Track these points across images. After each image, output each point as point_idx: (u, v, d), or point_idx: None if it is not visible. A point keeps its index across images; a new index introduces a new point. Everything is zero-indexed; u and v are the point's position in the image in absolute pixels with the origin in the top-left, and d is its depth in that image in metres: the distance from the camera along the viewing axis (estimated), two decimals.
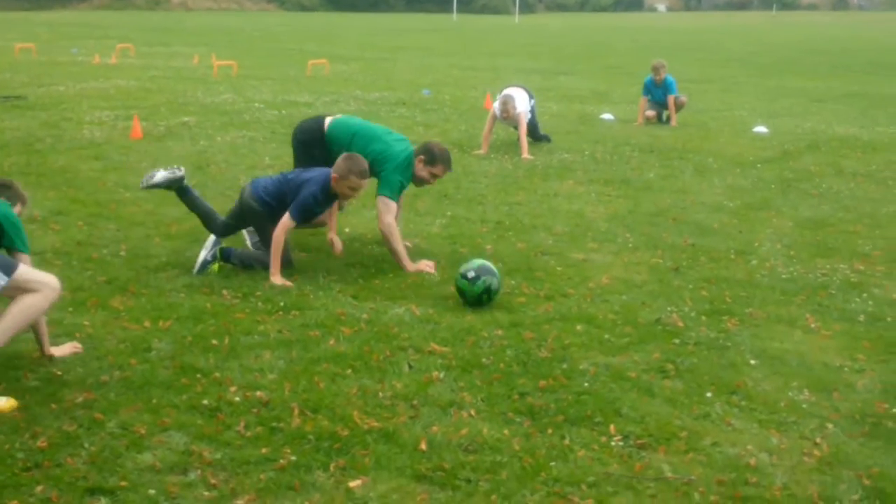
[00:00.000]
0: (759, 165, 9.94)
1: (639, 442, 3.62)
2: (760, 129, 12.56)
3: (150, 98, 14.74)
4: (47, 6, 61.16)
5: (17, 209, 4.32)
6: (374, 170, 5.97)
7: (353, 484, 3.23)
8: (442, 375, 4.21)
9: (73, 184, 8.10)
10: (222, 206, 7.38)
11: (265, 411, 3.77)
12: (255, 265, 5.76)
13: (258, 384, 4.02)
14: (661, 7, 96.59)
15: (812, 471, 3.43)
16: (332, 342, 4.57)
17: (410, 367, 4.31)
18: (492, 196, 8.14)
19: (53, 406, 3.72)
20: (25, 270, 3.93)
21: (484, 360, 4.40)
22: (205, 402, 3.81)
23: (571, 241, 6.67)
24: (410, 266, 5.84)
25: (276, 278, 5.52)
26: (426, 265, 5.85)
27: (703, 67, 24.05)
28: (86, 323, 4.69)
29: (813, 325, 4.99)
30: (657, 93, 13.16)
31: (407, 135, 11.44)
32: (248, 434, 3.56)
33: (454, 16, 67.50)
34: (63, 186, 7.97)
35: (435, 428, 3.68)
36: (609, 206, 7.83)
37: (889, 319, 5.11)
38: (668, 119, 13.12)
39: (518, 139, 10.48)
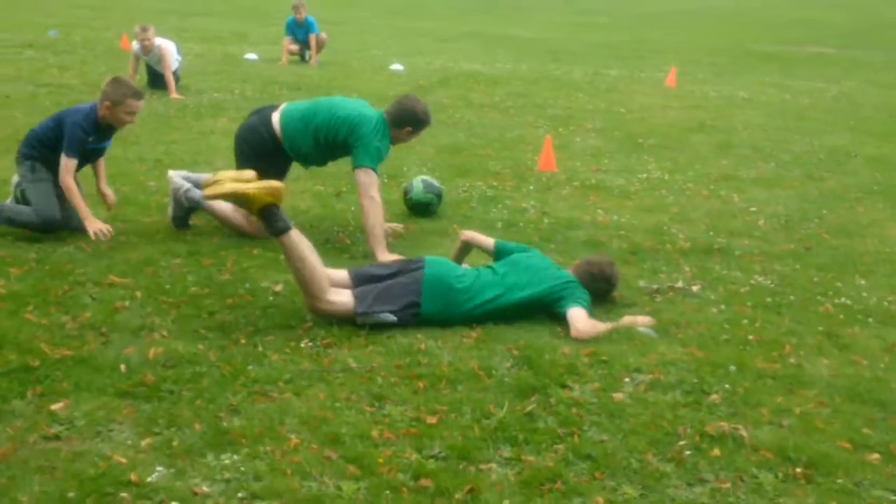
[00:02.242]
0: None
1: (325, 342, 4.00)
2: (396, 66, 13.37)
3: None
4: None
5: None
6: (345, 140, 5.32)
7: (55, 406, 3.28)
8: (127, 304, 4.29)
9: None
10: None
11: None
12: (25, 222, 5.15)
13: None
14: None
15: (471, 349, 4.02)
16: (2, 283, 4.44)
17: (93, 298, 4.34)
18: (146, 136, 8.03)
19: None
20: None
21: (167, 286, 4.53)
22: None
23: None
24: (384, 255, 5.04)
25: (91, 223, 5.07)
26: (397, 258, 4.93)
27: (337, 9, 24.71)
28: None
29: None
30: (299, 32, 13.48)
31: (42, 77, 10.92)
32: None
33: None
34: None
35: (129, 350, 3.79)
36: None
37: (521, 224, 5.92)
38: (310, 58, 13.50)
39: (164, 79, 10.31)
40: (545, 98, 11.23)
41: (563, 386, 3.69)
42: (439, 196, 6.07)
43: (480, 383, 3.68)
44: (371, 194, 5.15)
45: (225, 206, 5.29)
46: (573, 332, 4.14)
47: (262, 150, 5.38)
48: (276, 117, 5.43)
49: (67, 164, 5.14)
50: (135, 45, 10.34)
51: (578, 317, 4.20)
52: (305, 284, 4.17)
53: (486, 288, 4.30)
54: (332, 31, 17.65)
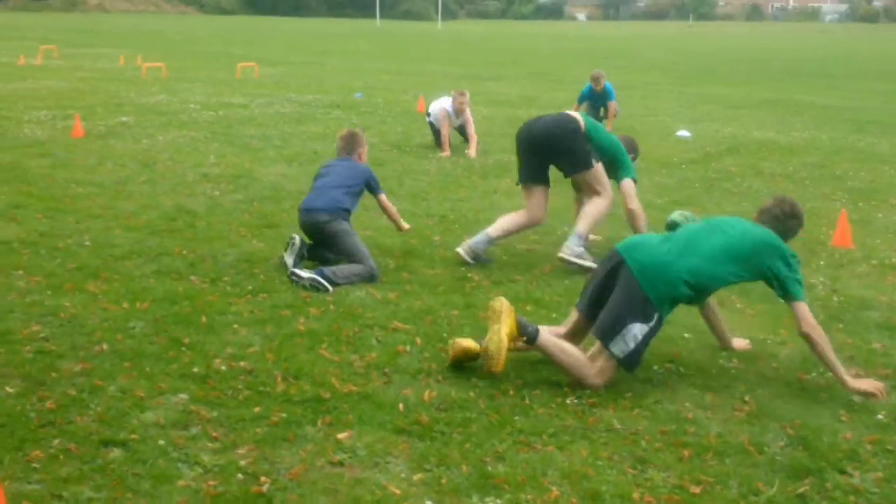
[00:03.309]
0: (683, 166, 10.56)
1: (590, 401, 4.06)
2: (683, 133, 13.24)
3: (83, 98, 14.76)
4: None
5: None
6: (612, 158, 6.45)
7: (341, 436, 3.59)
8: (408, 348, 4.59)
9: (24, 179, 8.24)
10: (176, 200, 7.65)
11: (251, 378, 4.09)
12: (354, 280, 5.61)
13: (241, 356, 4.34)
14: (581, 16, 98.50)
15: (742, 422, 3.90)
16: (302, 321, 4.90)
17: (378, 341, 4.68)
18: (435, 193, 8.54)
19: (53, 374, 3.99)
20: None
21: (444, 335, 4.79)
22: (194, 370, 4.12)
23: (515, 234, 7.08)
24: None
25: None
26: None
27: (625, 75, 24.88)
28: (66, 304, 4.93)
29: (739, 306, 5.52)
30: (597, 100, 13.64)
31: None
32: (240, 397, 3.88)
33: (377, 21, 67.80)
34: (15, 182, 8.10)
35: (407, 391, 4.05)
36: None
37: (808, 301, 5.65)
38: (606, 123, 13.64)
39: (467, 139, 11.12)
40: (845, 169, 10.65)
41: (842, 472, 3.49)
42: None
43: (750, 458, 3.57)
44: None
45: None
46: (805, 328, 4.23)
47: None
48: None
49: (384, 196, 6.36)
50: (448, 107, 11.04)
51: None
52: (568, 371, 4.25)
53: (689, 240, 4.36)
54: (619, 96, 17.77)
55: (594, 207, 6.34)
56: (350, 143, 6.40)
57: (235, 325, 4.76)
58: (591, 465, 3.48)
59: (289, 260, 5.78)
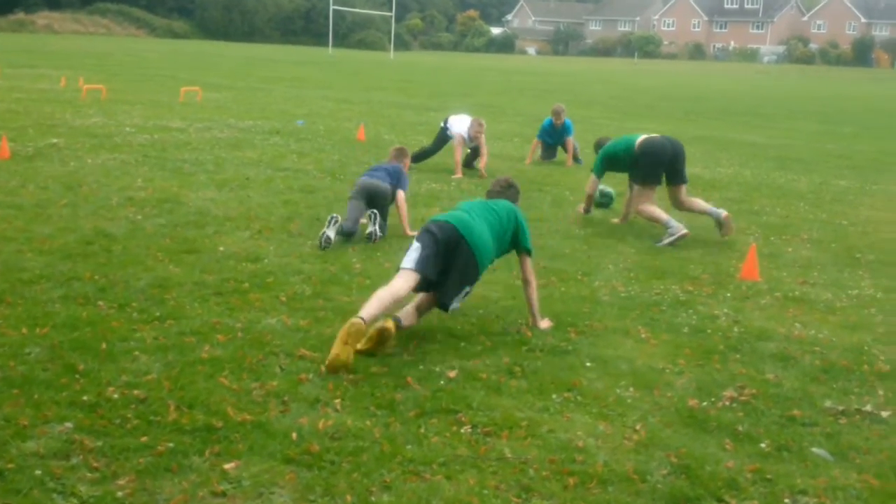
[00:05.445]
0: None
1: (485, 430, 4.09)
2: None
3: (16, 119, 14.55)
4: None
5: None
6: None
7: (227, 466, 3.57)
8: (311, 377, 4.59)
9: None
10: (95, 224, 7.57)
11: (143, 407, 4.06)
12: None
13: (136, 383, 4.31)
14: (531, 50, 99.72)
15: (629, 451, 3.97)
16: (207, 348, 4.88)
17: (282, 369, 4.68)
18: (365, 219, 8.55)
19: None
20: None
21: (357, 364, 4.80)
22: (84, 398, 4.08)
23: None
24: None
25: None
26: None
27: (568, 109, 25.18)
28: None
29: (643, 336, 5.62)
30: (555, 135, 13.77)
31: (280, 162, 11.95)
32: (128, 426, 3.85)
33: (330, 49, 67.93)
34: None
35: (303, 420, 4.05)
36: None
37: (709, 331, 5.78)
38: (565, 161, 13.72)
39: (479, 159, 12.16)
40: (763, 205, 10.91)
41: (720, 500, 3.57)
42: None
43: (633, 486, 3.64)
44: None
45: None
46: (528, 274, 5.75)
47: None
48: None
49: (403, 194, 8.23)
50: (465, 132, 11.99)
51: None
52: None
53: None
54: None
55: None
56: (399, 154, 8.71)
57: (136, 352, 4.72)
58: (476, 494, 3.51)
59: (330, 233, 7.44)
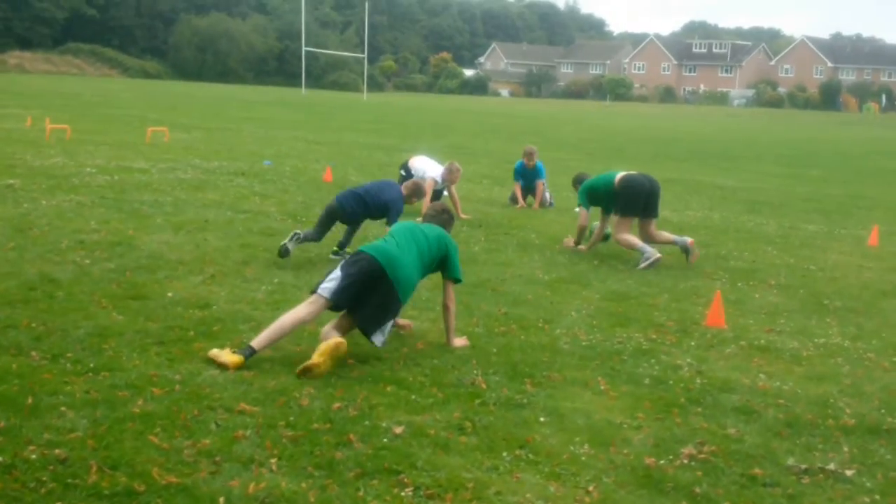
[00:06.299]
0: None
1: (428, 492, 3.85)
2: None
3: None
4: None
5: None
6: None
7: None
8: (248, 433, 4.33)
9: None
10: (41, 268, 7.29)
11: (62, 468, 3.79)
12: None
13: (59, 442, 4.03)
14: (504, 92, 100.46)
15: None
16: (140, 402, 4.61)
17: (217, 425, 4.42)
18: (321, 265, 8.33)
19: None
20: None
21: (291, 418, 4.55)
22: (0, 459, 3.80)
23: None
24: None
25: None
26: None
27: (539, 150, 25.20)
28: None
29: (603, 387, 5.41)
30: (528, 177, 13.66)
31: (242, 204, 11.73)
32: (42, 490, 3.58)
33: (303, 90, 68.03)
34: None
35: (234, 482, 3.80)
36: (431, 278, 8.14)
37: (671, 382, 5.58)
38: (532, 203, 13.57)
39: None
40: (730, 249, 10.79)
41: None
42: None
43: None
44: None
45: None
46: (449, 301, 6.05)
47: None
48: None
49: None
50: (439, 176, 12.02)
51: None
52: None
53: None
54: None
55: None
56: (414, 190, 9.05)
57: (63, 408, 4.45)
58: None
59: (290, 245, 8.20)
